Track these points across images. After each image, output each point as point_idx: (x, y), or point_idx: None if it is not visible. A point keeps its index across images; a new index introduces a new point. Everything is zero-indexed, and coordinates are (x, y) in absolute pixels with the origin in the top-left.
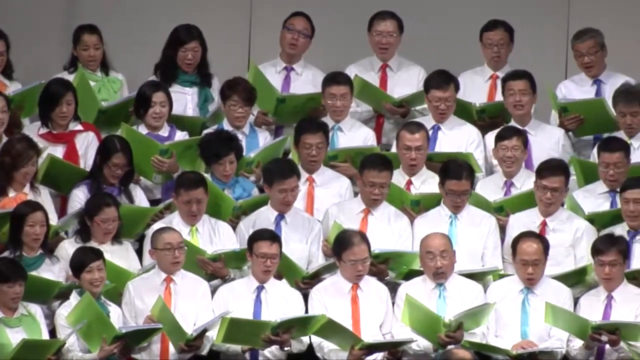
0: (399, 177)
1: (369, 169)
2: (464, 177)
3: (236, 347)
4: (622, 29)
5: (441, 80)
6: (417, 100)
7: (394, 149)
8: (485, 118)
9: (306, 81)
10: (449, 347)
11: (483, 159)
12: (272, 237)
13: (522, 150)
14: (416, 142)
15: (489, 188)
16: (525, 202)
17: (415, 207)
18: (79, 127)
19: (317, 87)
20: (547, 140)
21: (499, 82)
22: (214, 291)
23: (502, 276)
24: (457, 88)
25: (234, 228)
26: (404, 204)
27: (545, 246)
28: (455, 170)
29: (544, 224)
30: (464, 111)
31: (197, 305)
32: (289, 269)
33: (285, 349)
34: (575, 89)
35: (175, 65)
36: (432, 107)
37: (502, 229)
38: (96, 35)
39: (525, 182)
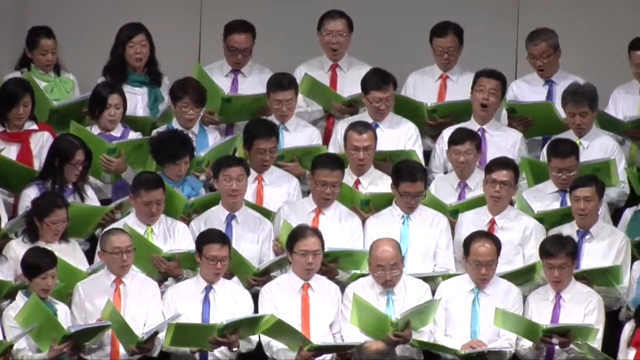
0: (347, 177)
1: (320, 168)
2: (418, 179)
3: (185, 348)
4: (571, 29)
5: (380, 80)
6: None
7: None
8: (437, 118)
9: (254, 83)
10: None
11: (421, 153)
12: (222, 239)
13: (475, 154)
14: (364, 142)
15: (444, 188)
16: (480, 205)
17: (365, 206)
18: (34, 126)
19: (264, 87)
20: (504, 142)
21: (448, 82)
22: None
23: (452, 275)
24: (395, 86)
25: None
26: (353, 204)
27: (498, 246)
28: (409, 173)
29: (492, 222)
30: (414, 110)
31: (146, 306)
32: (240, 266)
33: (234, 349)
34: (527, 88)
35: (124, 66)
36: (372, 107)
37: (453, 229)
38: (53, 39)
39: (479, 183)
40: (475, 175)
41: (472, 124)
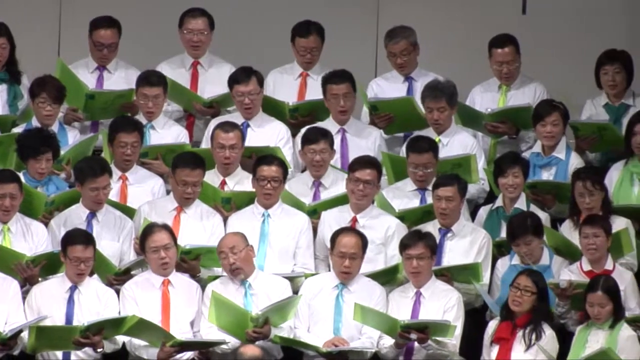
0: (213, 177)
1: (181, 167)
2: (274, 164)
3: None
4: (431, 27)
5: (243, 74)
6: (227, 100)
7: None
8: (298, 117)
9: (119, 79)
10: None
11: (291, 155)
12: (86, 240)
13: (329, 152)
14: (230, 141)
15: (297, 187)
16: (339, 204)
17: (227, 204)
18: None
19: (131, 85)
20: (364, 140)
21: (309, 80)
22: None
23: (314, 274)
24: (260, 82)
25: (47, 225)
26: (215, 202)
27: (364, 242)
28: (267, 157)
29: (354, 220)
30: (276, 110)
31: (7, 305)
32: (101, 265)
33: (98, 350)
34: (387, 86)
35: None
36: (238, 103)
37: (315, 230)
38: None
39: (333, 182)
40: (330, 173)
41: (331, 124)
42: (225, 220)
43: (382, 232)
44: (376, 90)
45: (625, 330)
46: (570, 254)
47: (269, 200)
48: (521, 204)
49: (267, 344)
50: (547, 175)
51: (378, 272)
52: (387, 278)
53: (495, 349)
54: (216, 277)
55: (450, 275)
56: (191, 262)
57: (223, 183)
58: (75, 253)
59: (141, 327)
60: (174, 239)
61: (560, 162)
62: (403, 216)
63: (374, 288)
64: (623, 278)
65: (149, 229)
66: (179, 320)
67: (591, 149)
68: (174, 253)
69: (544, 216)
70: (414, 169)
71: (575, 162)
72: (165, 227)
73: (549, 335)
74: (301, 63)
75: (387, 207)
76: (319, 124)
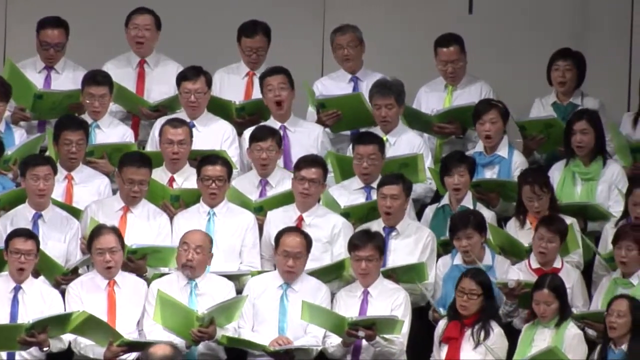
0: (161, 174)
1: (128, 165)
2: (219, 164)
3: None
4: (377, 27)
5: (192, 72)
6: (173, 104)
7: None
8: (245, 116)
9: (67, 79)
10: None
11: (238, 155)
12: (27, 234)
13: (276, 151)
14: (178, 136)
15: (245, 186)
16: (285, 202)
17: (175, 202)
18: None
19: (78, 85)
20: (307, 137)
21: (255, 80)
22: None
23: (260, 272)
24: (208, 83)
25: None
26: (164, 200)
27: (308, 242)
28: (211, 157)
29: (300, 218)
30: (223, 109)
31: None
32: (48, 265)
33: (45, 349)
34: (333, 85)
35: None
36: (184, 100)
37: (261, 228)
38: None
39: (280, 181)
40: (276, 173)
41: (272, 122)
42: (171, 219)
43: (328, 230)
44: (321, 89)
45: (571, 329)
46: (515, 253)
47: (214, 200)
48: (467, 202)
49: (212, 345)
50: (490, 174)
51: (324, 269)
52: (334, 275)
53: (445, 349)
54: (161, 275)
55: (396, 276)
56: (138, 262)
57: (171, 180)
58: (16, 245)
59: (90, 325)
60: (122, 242)
61: (503, 161)
62: (348, 213)
63: (318, 287)
64: (570, 276)
65: (97, 231)
66: (125, 321)
67: (539, 150)
68: (120, 256)
69: (490, 215)
70: (358, 161)
71: (518, 160)
72: (114, 230)
73: (497, 333)
74: (247, 63)
75: (333, 205)
76: (263, 123)
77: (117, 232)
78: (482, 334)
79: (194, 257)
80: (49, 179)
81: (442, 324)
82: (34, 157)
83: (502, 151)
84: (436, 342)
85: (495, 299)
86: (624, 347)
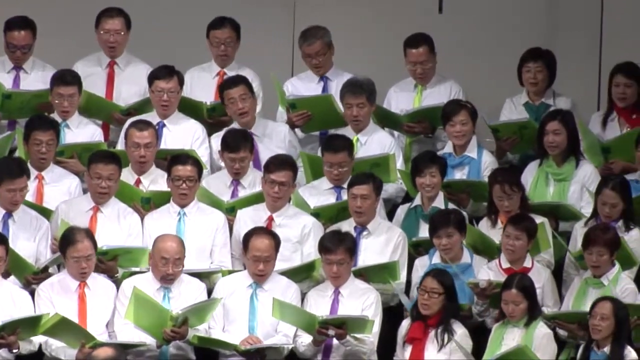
0: (128, 176)
1: (95, 162)
2: (189, 164)
3: None
4: (347, 26)
5: (165, 71)
6: (145, 106)
7: (120, 147)
8: (216, 116)
9: (36, 79)
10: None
11: (208, 155)
12: None
13: (249, 159)
14: (145, 139)
15: (216, 186)
16: (257, 202)
17: (146, 204)
18: None
19: (47, 84)
20: (274, 139)
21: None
22: None
23: (231, 271)
24: (180, 83)
25: None
26: (134, 202)
27: (277, 242)
28: (181, 156)
29: (270, 218)
30: (194, 109)
31: None
32: (18, 265)
33: (14, 351)
34: (302, 86)
35: None
36: (156, 100)
37: (231, 227)
38: None
39: (252, 182)
40: (249, 174)
41: (237, 126)
42: (142, 219)
43: (299, 230)
44: (291, 90)
45: (541, 328)
46: (487, 251)
47: (184, 200)
48: (439, 203)
49: (182, 345)
50: (460, 175)
51: (295, 269)
52: (304, 275)
53: (409, 349)
54: (132, 274)
55: (367, 276)
56: (108, 263)
57: (138, 181)
58: None
59: (62, 327)
60: (95, 245)
61: (473, 161)
62: (318, 213)
63: (288, 286)
64: (541, 276)
65: (73, 237)
66: (95, 323)
67: (512, 150)
68: (94, 261)
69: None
70: (328, 168)
71: (488, 160)
72: (88, 235)
73: (460, 333)
74: (217, 57)
75: (303, 205)
76: (235, 128)
77: (92, 237)
78: (446, 335)
79: (174, 271)
80: (24, 190)
81: (405, 324)
82: (11, 168)
83: (472, 152)
84: (400, 342)
85: (457, 300)
86: (607, 349)
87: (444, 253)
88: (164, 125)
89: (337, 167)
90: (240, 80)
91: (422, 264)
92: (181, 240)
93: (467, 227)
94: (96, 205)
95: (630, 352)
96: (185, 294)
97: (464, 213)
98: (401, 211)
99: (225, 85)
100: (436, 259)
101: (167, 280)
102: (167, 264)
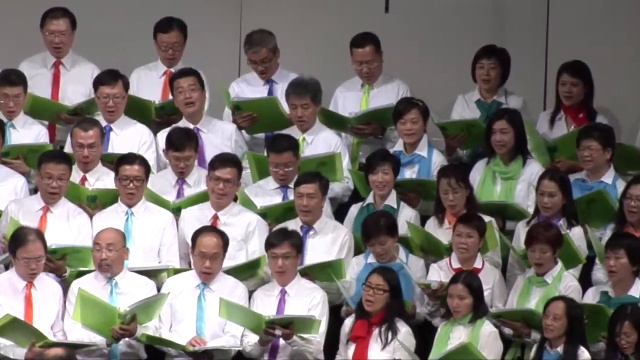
0: (73, 174)
1: (46, 162)
2: (136, 163)
3: None
4: (293, 26)
5: (110, 76)
6: (91, 106)
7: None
8: (164, 115)
9: None
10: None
11: (154, 159)
12: None
13: (193, 157)
14: (89, 140)
15: (162, 184)
16: (202, 201)
17: (92, 203)
18: None
19: None
20: (220, 137)
21: None
22: None
23: (178, 271)
24: (125, 87)
25: None
26: (80, 201)
27: (225, 241)
28: (129, 156)
29: (215, 217)
30: (142, 109)
31: None
32: None
33: None
34: (248, 88)
35: None
36: (101, 105)
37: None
38: None
39: (197, 179)
40: (194, 172)
41: (185, 124)
42: (91, 218)
43: (243, 229)
44: (237, 92)
45: (486, 327)
46: (434, 251)
47: (132, 200)
48: (392, 201)
49: (132, 343)
50: (410, 174)
51: (240, 267)
52: (249, 273)
53: (352, 348)
54: (80, 273)
55: (311, 274)
56: (57, 262)
57: (84, 179)
58: None
59: (12, 327)
60: (45, 246)
61: (423, 160)
62: (265, 213)
63: (236, 286)
64: (491, 277)
65: (23, 237)
66: (41, 324)
67: (462, 147)
68: (43, 262)
69: (413, 214)
70: (274, 168)
71: (438, 159)
72: (39, 236)
73: (404, 332)
74: (164, 60)
75: (248, 204)
76: (180, 126)
77: (42, 238)
78: (390, 333)
79: (107, 256)
80: None
81: (348, 323)
82: None
83: (422, 150)
84: (342, 341)
85: (401, 298)
86: (560, 348)
87: (379, 259)
88: (110, 129)
89: (283, 167)
90: (191, 72)
91: (358, 262)
92: (119, 231)
93: (410, 225)
94: (46, 205)
95: (583, 352)
96: (133, 289)
97: (408, 212)
98: (354, 209)
99: (176, 75)
100: (371, 259)
101: (104, 268)
102: (100, 249)
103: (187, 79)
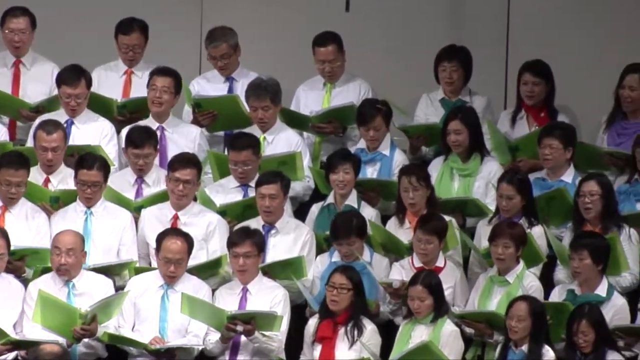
0: (37, 175)
1: (5, 167)
2: (95, 168)
3: None
4: (254, 24)
5: (72, 76)
6: (53, 103)
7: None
8: (126, 113)
9: None
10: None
11: (116, 152)
12: None
13: (153, 155)
14: (53, 143)
15: (121, 183)
16: (163, 200)
17: (55, 203)
18: None
19: None
20: (184, 138)
21: (133, 78)
22: None
23: (140, 270)
24: (88, 84)
25: None
26: (42, 202)
27: (189, 244)
28: (88, 160)
29: (175, 217)
30: (103, 106)
31: None
32: None
33: None
34: (208, 86)
35: None
36: (64, 103)
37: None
38: None
39: (156, 179)
40: (153, 171)
41: (150, 122)
42: (49, 218)
43: (204, 228)
44: (197, 89)
45: (448, 326)
46: (395, 250)
47: (89, 203)
48: (352, 200)
49: (92, 343)
50: (371, 172)
51: (201, 266)
52: (210, 272)
53: (319, 348)
54: (43, 270)
55: (271, 273)
56: (16, 263)
57: (47, 180)
58: None
59: None
60: (9, 244)
61: (385, 159)
62: (225, 211)
63: (200, 286)
64: (453, 276)
65: None
66: (3, 322)
67: (426, 144)
68: (5, 261)
69: (374, 213)
70: (234, 166)
71: (400, 158)
72: (3, 235)
73: (370, 330)
74: (124, 60)
75: (208, 203)
76: (141, 124)
77: (6, 236)
78: (356, 331)
79: (67, 261)
80: None
81: (313, 323)
82: None
83: (384, 149)
84: (307, 342)
85: (365, 296)
86: (525, 347)
87: (345, 259)
88: (72, 123)
89: (242, 166)
90: (170, 74)
91: (322, 261)
92: (78, 234)
93: (371, 224)
94: (4, 205)
95: (548, 351)
96: (91, 289)
97: (369, 211)
98: (315, 209)
99: (155, 72)
100: (336, 257)
101: (62, 272)
102: (60, 254)
103: (164, 80)
